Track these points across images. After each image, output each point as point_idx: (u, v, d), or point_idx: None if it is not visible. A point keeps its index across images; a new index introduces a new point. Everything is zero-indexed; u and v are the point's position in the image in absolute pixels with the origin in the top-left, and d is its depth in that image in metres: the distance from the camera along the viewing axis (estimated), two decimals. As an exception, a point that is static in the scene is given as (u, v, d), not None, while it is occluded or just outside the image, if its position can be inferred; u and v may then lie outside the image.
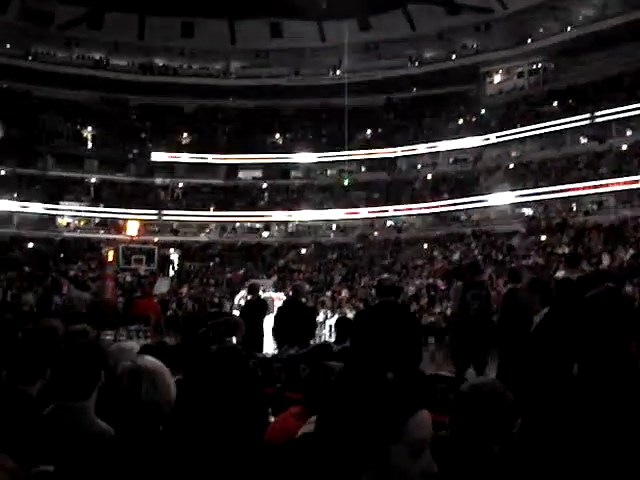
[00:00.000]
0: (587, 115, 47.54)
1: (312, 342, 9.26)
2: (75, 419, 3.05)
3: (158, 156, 56.64)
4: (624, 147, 45.90)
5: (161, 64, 60.18)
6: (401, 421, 1.40)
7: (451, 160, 54.37)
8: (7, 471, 2.28)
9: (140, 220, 53.33)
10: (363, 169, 57.27)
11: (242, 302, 13.33)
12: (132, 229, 52.54)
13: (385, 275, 7.37)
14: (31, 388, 3.57)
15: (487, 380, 2.66)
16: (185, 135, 59.34)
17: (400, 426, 1.39)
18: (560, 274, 8.85)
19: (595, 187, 44.74)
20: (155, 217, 54.71)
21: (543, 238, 43.47)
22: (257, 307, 11.66)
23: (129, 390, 2.01)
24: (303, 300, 9.48)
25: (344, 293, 40.93)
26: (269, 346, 11.35)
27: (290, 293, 11.20)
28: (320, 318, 29.04)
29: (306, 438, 1.44)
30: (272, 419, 4.01)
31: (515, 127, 50.88)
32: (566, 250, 38.85)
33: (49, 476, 2.29)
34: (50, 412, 3.16)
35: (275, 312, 11.04)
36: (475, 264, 10.24)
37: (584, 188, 45.12)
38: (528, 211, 48.20)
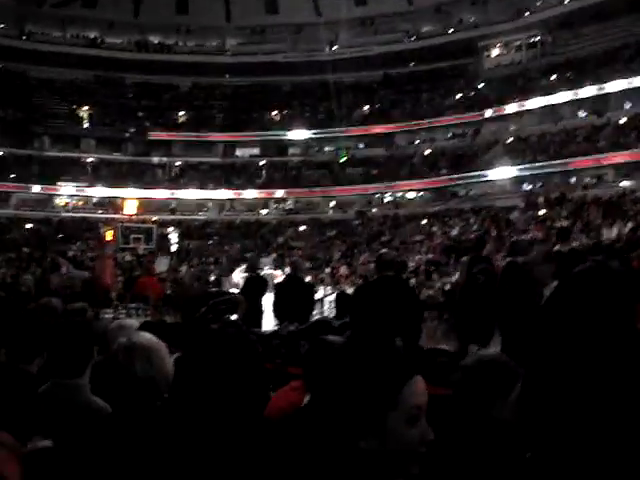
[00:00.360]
0: (585, 88, 47.35)
1: (311, 318, 9.24)
2: (70, 396, 3.05)
3: (155, 134, 56.39)
4: (622, 120, 45.71)
5: (156, 42, 59.83)
6: (397, 388, 1.43)
7: (449, 135, 54.15)
8: (6, 447, 2.27)
9: (138, 199, 53.27)
10: (361, 145, 57.01)
11: (239, 279, 13.31)
12: (130, 208, 52.49)
13: (384, 250, 7.32)
14: (30, 366, 3.57)
15: (491, 353, 2.64)
16: (181, 113, 59.02)
17: (396, 393, 1.43)
18: (556, 248, 8.83)
19: (594, 161, 44.65)
20: (154, 196, 54.54)
21: (542, 212, 43.40)
22: (256, 284, 11.66)
23: (124, 366, 1.98)
24: (302, 276, 9.45)
25: (343, 270, 40.92)
26: (269, 323, 11.34)
27: (288, 270, 11.18)
28: (320, 295, 29.07)
29: (305, 409, 1.45)
30: (272, 394, 4.01)
31: (513, 101, 50.69)
32: (565, 224, 38.82)
33: (47, 452, 2.28)
34: (46, 389, 3.16)
35: (274, 289, 11.04)
36: (481, 238, 10.28)
37: (583, 162, 45.04)
38: (526, 186, 48.09)
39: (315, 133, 57.13)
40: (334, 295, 20.98)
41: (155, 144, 56.61)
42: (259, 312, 11.26)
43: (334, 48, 58.60)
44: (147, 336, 2.54)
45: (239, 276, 13.99)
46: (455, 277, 9.13)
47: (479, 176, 49.43)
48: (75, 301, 7.01)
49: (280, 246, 49.81)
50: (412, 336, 5.73)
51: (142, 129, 56.59)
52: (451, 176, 50.66)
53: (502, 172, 48.27)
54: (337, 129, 55.72)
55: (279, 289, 10.22)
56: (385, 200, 54.35)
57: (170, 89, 60.08)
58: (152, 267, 17.22)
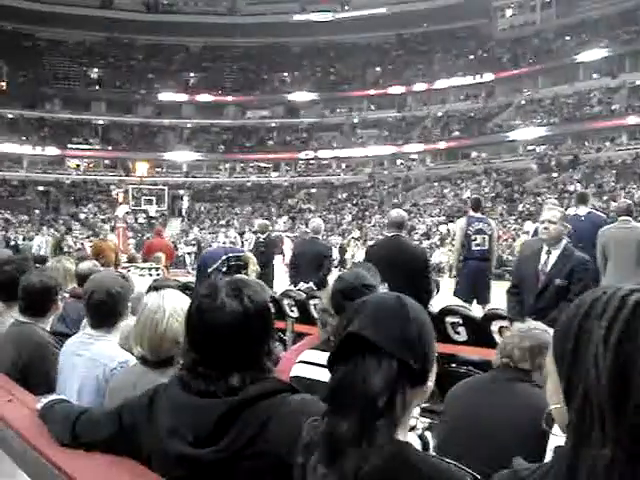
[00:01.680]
0: (600, 49, 46.77)
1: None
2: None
3: (165, 96, 56.13)
4: (638, 82, 45.17)
5: (166, 2, 59.31)
6: (433, 334, 1.48)
7: (462, 97, 53.65)
8: None
9: (149, 161, 53.27)
10: (372, 107, 56.58)
11: (249, 241, 13.30)
12: (141, 170, 52.51)
13: (395, 210, 7.29)
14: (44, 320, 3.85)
15: None
16: (192, 74, 58.63)
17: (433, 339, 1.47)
18: (571, 211, 8.74)
19: (608, 123, 44.24)
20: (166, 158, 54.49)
21: (554, 175, 43.18)
22: (267, 246, 11.67)
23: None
24: (319, 237, 9.41)
25: (355, 232, 40.97)
26: (280, 283, 11.38)
27: (307, 230, 11.16)
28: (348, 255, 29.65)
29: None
30: (282, 354, 4.06)
31: (527, 63, 50.15)
32: (578, 187, 38.63)
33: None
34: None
35: (293, 248, 11.08)
36: (477, 199, 10.20)
37: (597, 124, 44.61)
38: (539, 148, 47.75)
39: (326, 95, 56.69)
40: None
41: (166, 106, 56.36)
42: (270, 273, 11.32)
43: (346, 8, 57.93)
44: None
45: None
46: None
47: (492, 138, 49.11)
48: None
49: (291, 208, 49.83)
50: (423, 295, 5.74)
51: (153, 91, 56.31)
52: (464, 139, 50.37)
53: (515, 134, 47.91)
54: (348, 91, 55.41)
55: (297, 249, 10.18)
56: (397, 162, 54.06)
57: (180, 50, 59.68)
58: (159, 228, 17.17)
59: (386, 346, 1.37)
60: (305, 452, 1.44)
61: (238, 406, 1.76)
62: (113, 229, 21.55)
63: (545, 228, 5.35)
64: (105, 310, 3.24)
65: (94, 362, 3.09)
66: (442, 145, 51.29)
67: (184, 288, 3.78)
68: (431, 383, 1.44)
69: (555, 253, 5.34)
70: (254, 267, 9.13)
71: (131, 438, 1.95)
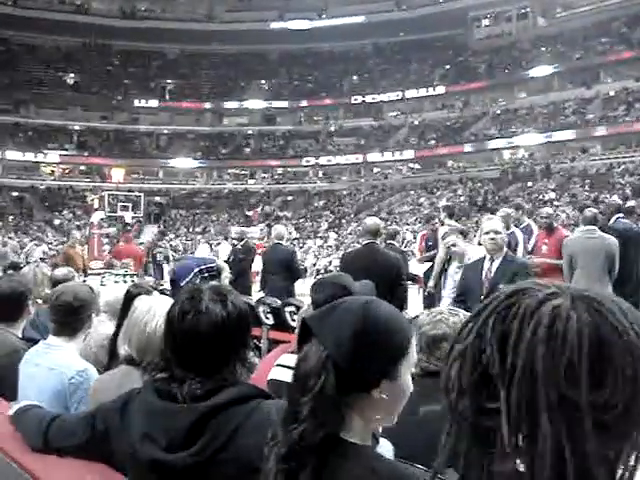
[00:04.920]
0: (574, 60, 47.37)
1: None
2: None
3: (141, 103, 55.94)
4: (611, 93, 45.79)
5: (143, 8, 59.12)
6: (409, 337, 1.52)
7: (438, 106, 54.00)
8: None
9: (125, 167, 53.01)
10: (349, 115, 56.76)
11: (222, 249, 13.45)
12: (117, 176, 52.23)
13: (370, 217, 7.35)
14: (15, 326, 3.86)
15: None
16: (169, 81, 58.48)
17: (409, 341, 1.50)
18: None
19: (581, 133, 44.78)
20: (141, 164, 54.24)
21: (529, 184, 43.56)
22: (244, 253, 11.73)
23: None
24: (285, 243, 9.46)
25: (331, 240, 41.03)
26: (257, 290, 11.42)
27: (271, 237, 11.19)
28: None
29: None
30: (257, 361, 4.08)
31: (503, 73, 50.60)
32: (552, 196, 39.02)
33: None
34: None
35: (262, 256, 11.10)
36: (450, 207, 10.30)
37: (570, 134, 45.14)
38: (514, 157, 48.19)
39: (303, 102, 56.82)
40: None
41: (142, 112, 56.16)
42: (246, 280, 11.36)
43: (323, 17, 58.12)
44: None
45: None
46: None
47: (467, 147, 49.52)
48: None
49: (267, 216, 49.80)
50: (395, 303, 5.76)
51: (129, 97, 56.09)
52: (439, 147, 50.72)
53: (491, 144, 48.34)
54: (325, 99, 55.58)
55: (264, 256, 10.24)
56: (373, 170, 54.25)
57: (157, 57, 59.53)
58: (127, 234, 17.10)
59: (320, 336, 1.41)
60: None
61: (211, 411, 1.78)
62: (88, 238, 21.39)
63: (492, 239, 5.51)
64: (69, 313, 3.25)
65: (52, 371, 3.08)
66: (418, 154, 51.55)
67: (160, 294, 3.79)
68: (385, 396, 1.45)
69: (497, 260, 5.51)
70: (226, 274, 9.18)
71: (104, 443, 1.95)
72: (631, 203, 9.50)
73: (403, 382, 1.50)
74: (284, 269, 8.97)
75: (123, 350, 2.65)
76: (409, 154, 51.92)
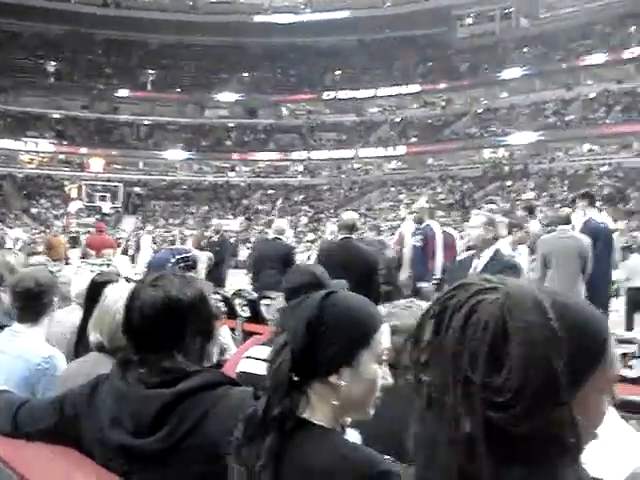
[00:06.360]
0: (556, 61, 47.67)
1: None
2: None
3: (123, 92, 55.58)
4: (592, 95, 46.17)
5: (127, -3, 58.76)
6: (374, 328, 1.58)
7: (420, 103, 54.12)
8: None
9: (104, 157, 52.64)
10: (331, 110, 56.75)
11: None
12: (96, 166, 51.88)
13: (347, 212, 7.37)
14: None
15: None
16: (151, 72, 58.05)
17: (373, 332, 1.57)
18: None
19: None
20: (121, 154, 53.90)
21: (508, 183, 43.86)
22: (221, 245, 11.84)
23: None
24: (282, 238, 9.34)
25: (310, 235, 41.05)
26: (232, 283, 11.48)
27: (270, 232, 11.10)
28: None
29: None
30: (230, 354, 4.13)
31: (485, 72, 50.81)
32: (531, 195, 39.30)
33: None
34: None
35: (252, 249, 11.20)
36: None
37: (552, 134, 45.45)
38: (494, 156, 48.49)
39: (285, 96, 56.75)
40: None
41: (123, 102, 55.79)
42: (222, 272, 11.43)
43: (308, 11, 58.04)
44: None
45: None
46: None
47: (448, 145, 49.73)
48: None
49: (247, 209, 49.77)
50: (370, 298, 5.79)
51: (110, 87, 55.69)
52: (421, 145, 50.87)
53: (472, 142, 48.59)
54: (309, 93, 55.57)
55: (258, 250, 10.16)
56: (354, 166, 54.32)
57: (139, 47, 59.09)
58: (101, 224, 17.04)
59: (283, 326, 1.56)
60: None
61: (179, 397, 1.82)
62: (65, 227, 21.30)
63: (468, 234, 5.63)
64: (31, 298, 3.28)
65: (18, 359, 3.11)
66: (399, 150, 51.68)
67: (125, 281, 3.82)
68: (344, 383, 1.52)
69: (485, 258, 5.56)
70: (203, 265, 9.20)
71: (73, 427, 1.98)
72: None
73: (366, 371, 1.56)
74: (282, 264, 8.86)
75: (94, 338, 2.68)
76: (390, 150, 52.00)
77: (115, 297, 2.65)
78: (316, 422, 1.52)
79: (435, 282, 8.44)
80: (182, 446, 1.79)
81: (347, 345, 1.54)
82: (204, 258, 9.50)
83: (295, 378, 1.49)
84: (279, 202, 49.36)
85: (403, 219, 11.13)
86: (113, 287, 2.77)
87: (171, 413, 1.81)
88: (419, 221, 9.10)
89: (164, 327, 1.93)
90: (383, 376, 1.61)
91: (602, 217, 8.75)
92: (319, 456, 1.46)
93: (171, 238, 16.15)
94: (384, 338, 1.60)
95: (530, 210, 9.73)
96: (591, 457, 1.18)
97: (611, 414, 2.06)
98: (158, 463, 1.80)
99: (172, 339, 1.93)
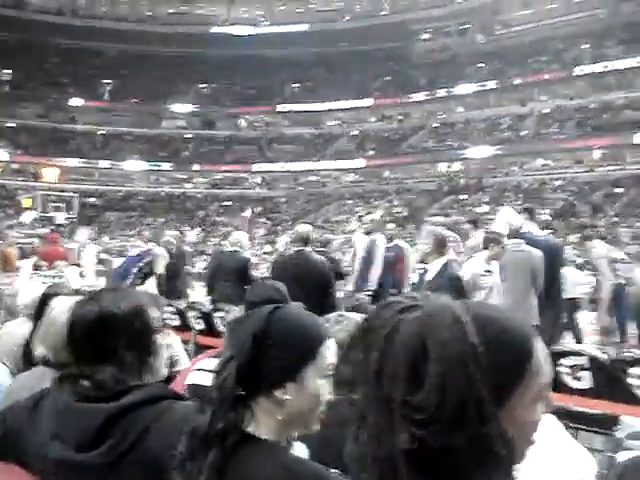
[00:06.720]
0: (512, 77, 48.42)
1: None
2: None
3: (79, 102, 54.98)
4: (545, 110, 46.95)
5: (84, 7, 58.19)
6: (318, 341, 1.59)
7: (378, 117, 54.49)
8: None
9: (59, 167, 51.95)
10: (289, 123, 56.85)
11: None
12: (50, 176, 51.15)
13: (301, 225, 7.38)
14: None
15: None
16: (108, 81, 57.56)
17: (318, 346, 1.58)
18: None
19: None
20: (77, 165, 53.23)
21: (464, 197, 44.30)
22: (177, 257, 11.68)
23: None
24: (240, 251, 9.30)
25: (267, 247, 40.92)
26: (189, 295, 11.40)
27: (226, 243, 11.06)
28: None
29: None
30: (181, 367, 4.11)
31: (441, 86, 51.36)
32: (486, 209, 39.69)
33: None
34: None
35: (209, 261, 11.17)
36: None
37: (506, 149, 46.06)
38: (450, 170, 48.99)
39: (244, 108, 56.69)
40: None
41: (79, 112, 55.19)
42: (178, 284, 11.32)
43: (267, 23, 58.14)
44: None
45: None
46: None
47: (405, 159, 50.14)
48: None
49: (204, 220, 49.49)
50: (326, 311, 5.80)
51: (66, 96, 55.06)
52: (379, 158, 51.19)
53: (427, 156, 49.07)
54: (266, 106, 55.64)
55: (215, 262, 10.16)
56: (311, 178, 54.40)
57: (97, 56, 58.54)
58: (53, 236, 16.77)
59: (230, 340, 1.60)
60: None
61: (121, 411, 1.80)
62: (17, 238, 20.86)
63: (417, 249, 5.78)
64: None
65: None
66: (358, 163, 51.92)
67: (76, 293, 3.77)
68: (289, 398, 1.53)
69: (432, 272, 5.66)
70: (163, 261, 9.22)
71: (15, 442, 1.95)
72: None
73: (311, 386, 1.56)
74: (238, 276, 8.84)
75: (39, 351, 2.64)
76: (348, 163, 52.22)
77: (61, 310, 2.61)
78: (261, 437, 1.51)
79: (369, 294, 8.52)
80: (125, 461, 1.77)
81: (293, 359, 1.55)
82: (165, 254, 9.50)
83: (240, 392, 1.49)
84: (248, 212, 48.95)
85: (353, 231, 11.30)
86: (59, 300, 2.73)
87: (113, 427, 1.79)
88: (367, 233, 9.24)
89: (98, 341, 1.92)
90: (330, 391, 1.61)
91: (542, 231, 8.85)
92: (263, 470, 1.46)
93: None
94: (329, 353, 1.61)
95: (475, 223, 9.86)
96: (529, 469, 1.20)
97: (553, 424, 2.08)
98: (100, 478, 1.78)
99: (106, 353, 1.92)
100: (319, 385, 1.58)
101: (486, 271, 7.18)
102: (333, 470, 1.57)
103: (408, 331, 0.99)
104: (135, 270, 8.92)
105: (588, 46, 46.41)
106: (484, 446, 0.95)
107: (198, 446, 1.47)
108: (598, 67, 44.92)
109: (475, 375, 0.94)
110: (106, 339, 1.92)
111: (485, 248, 7.47)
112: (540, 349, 1.04)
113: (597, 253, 8.73)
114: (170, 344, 3.45)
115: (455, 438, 0.94)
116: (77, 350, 1.95)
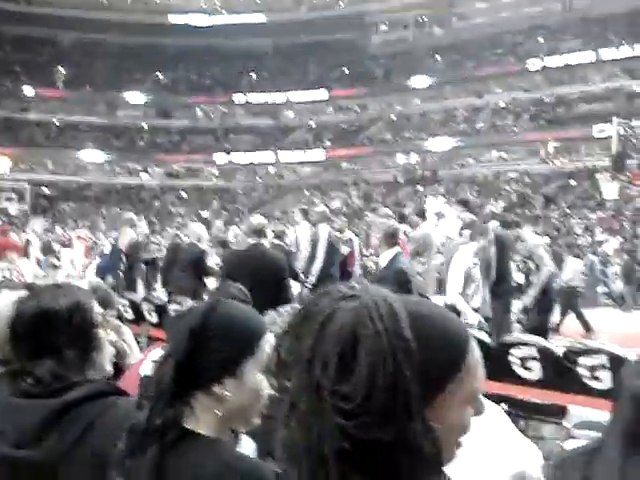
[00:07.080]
0: (468, 70, 48.83)
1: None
2: None
3: (32, 91, 53.99)
4: (501, 103, 47.48)
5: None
6: (258, 336, 1.60)
7: (335, 108, 54.52)
8: None
9: (11, 157, 51.01)
10: (247, 113, 56.56)
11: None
12: (2, 166, 50.20)
13: (255, 217, 7.35)
14: None
15: None
16: (62, 69, 56.52)
17: (257, 340, 1.59)
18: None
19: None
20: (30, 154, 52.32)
21: (420, 189, 44.57)
22: (132, 249, 11.59)
23: None
24: (198, 243, 9.25)
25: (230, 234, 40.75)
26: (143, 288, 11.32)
27: (177, 234, 10.99)
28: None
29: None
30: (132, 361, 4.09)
31: (399, 78, 51.56)
32: (442, 201, 39.96)
33: None
34: None
35: (165, 254, 11.10)
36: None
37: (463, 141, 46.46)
38: (405, 161, 49.27)
39: (200, 98, 56.25)
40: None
41: (33, 101, 54.20)
42: (134, 276, 11.23)
43: (224, 13, 57.72)
44: None
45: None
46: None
47: (355, 151, 50.37)
48: None
49: (160, 211, 49.05)
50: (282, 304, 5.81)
51: (19, 84, 53.98)
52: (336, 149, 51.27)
53: (382, 146, 49.32)
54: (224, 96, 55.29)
55: (171, 254, 10.06)
56: (269, 170, 54.27)
57: (51, 44, 57.51)
58: (6, 227, 16.49)
59: (169, 335, 1.59)
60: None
61: (64, 407, 1.80)
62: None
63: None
64: None
65: None
66: (317, 155, 51.92)
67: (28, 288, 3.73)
68: (227, 393, 1.54)
69: (382, 263, 5.73)
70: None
71: None
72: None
73: (250, 380, 1.57)
74: (193, 269, 8.81)
75: None
76: (305, 155, 52.21)
77: (4, 304, 2.57)
78: (201, 432, 1.52)
79: (309, 285, 8.56)
80: (67, 457, 1.76)
81: (232, 353, 1.56)
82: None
83: (176, 389, 1.49)
84: (215, 205, 48.72)
85: (297, 223, 11.28)
86: (2, 295, 2.68)
87: (56, 423, 1.78)
88: (313, 225, 9.29)
89: (38, 337, 1.91)
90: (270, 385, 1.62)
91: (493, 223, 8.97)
92: (203, 466, 1.47)
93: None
94: (268, 347, 1.62)
95: (422, 214, 10.02)
96: (468, 461, 1.22)
97: (496, 415, 2.11)
98: (43, 475, 1.77)
99: (47, 349, 1.91)
100: (259, 380, 1.59)
101: (474, 264, 7.21)
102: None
103: (342, 320, 0.99)
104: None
105: (543, 40, 46.96)
106: (411, 442, 0.96)
107: (137, 443, 1.47)
108: (553, 60, 45.51)
109: (405, 369, 0.95)
110: (47, 335, 1.92)
111: (472, 240, 7.47)
112: (475, 352, 1.05)
113: (533, 241, 8.86)
114: (121, 337, 3.43)
115: (381, 432, 0.94)
116: (18, 346, 1.95)
